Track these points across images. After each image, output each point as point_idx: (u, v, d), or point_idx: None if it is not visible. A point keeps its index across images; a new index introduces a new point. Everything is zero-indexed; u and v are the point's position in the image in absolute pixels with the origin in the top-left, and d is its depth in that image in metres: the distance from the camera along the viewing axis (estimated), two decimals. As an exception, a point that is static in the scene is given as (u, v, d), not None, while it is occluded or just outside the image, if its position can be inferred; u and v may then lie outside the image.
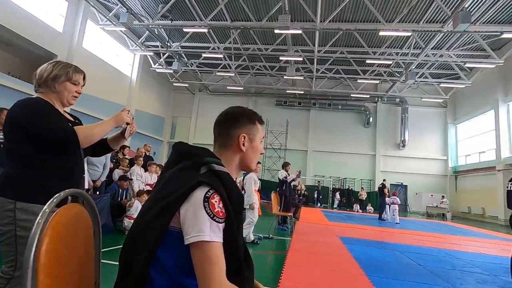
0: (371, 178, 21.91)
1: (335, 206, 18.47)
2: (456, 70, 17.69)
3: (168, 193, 0.86)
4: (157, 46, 18.39)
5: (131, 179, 5.43)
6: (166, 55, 18.88)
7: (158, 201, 0.85)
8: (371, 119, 22.22)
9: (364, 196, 18.79)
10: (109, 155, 5.20)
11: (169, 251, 0.82)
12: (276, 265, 3.75)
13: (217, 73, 21.03)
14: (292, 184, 7.64)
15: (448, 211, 17.16)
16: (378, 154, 22.05)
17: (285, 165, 7.09)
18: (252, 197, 4.92)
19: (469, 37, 15.04)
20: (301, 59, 17.03)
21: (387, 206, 11.61)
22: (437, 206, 17.67)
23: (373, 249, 5.24)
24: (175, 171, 0.92)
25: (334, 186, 20.97)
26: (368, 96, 21.60)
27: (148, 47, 18.78)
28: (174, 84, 23.18)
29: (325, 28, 13.86)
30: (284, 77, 19.70)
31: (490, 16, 13.68)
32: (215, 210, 0.79)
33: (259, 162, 5.12)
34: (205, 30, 14.72)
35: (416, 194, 20.52)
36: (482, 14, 13.50)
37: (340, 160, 22.42)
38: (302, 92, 22.34)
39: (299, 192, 15.71)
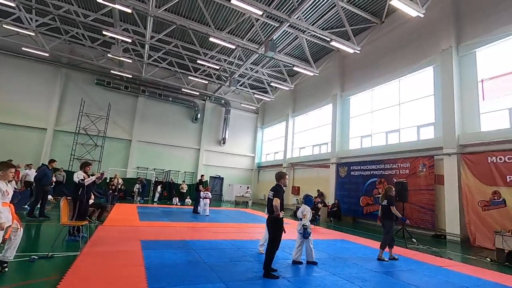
0: (194, 171, 23.24)
1: (155, 199, 18.17)
2: (266, 85, 21.85)
3: None
4: None
5: None
6: None
7: None
8: (199, 115, 23.48)
9: (185, 189, 19.63)
10: None
11: None
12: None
13: (5, 26, 15.32)
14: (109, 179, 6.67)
15: (250, 199, 21.00)
16: (202, 149, 23.68)
17: (83, 166, 6.06)
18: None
19: (275, 62, 18.92)
20: (130, 40, 15.38)
21: (201, 200, 12.64)
22: (243, 195, 21.19)
23: (171, 251, 5.47)
24: None
25: (157, 179, 20.59)
26: (198, 93, 22.69)
27: None
28: None
29: (158, 16, 13.17)
30: (108, 55, 17.13)
31: (289, 51, 17.83)
32: None
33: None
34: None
35: (230, 185, 23.76)
36: (284, 47, 17.35)
37: (166, 152, 22.31)
38: (130, 76, 20.35)
39: (113, 187, 14.27)
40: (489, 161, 9.20)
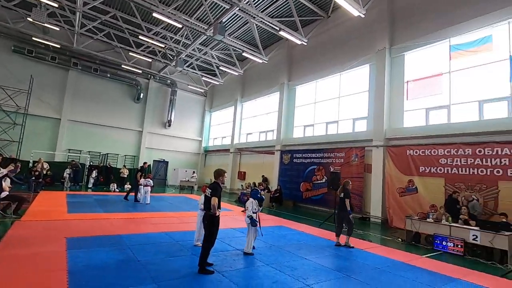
0: (136, 154, 21.91)
1: (90, 185, 16.75)
2: (214, 68, 21.22)
3: None
4: None
5: None
6: None
7: None
8: (142, 95, 21.91)
9: (126, 173, 18.47)
10: None
11: None
12: None
13: None
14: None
15: (195, 184, 20.72)
16: (145, 131, 22.34)
17: (-9, 157, 5.21)
18: None
19: (225, 45, 18.35)
20: (56, 5, 13.30)
21: (141, 188, 12.05)
22: (188, 180, 20.80)
23: (101, 250, 5.14)
24: None
25: (92, 163, 18.90)
26: (141, 71, 21.05)
27: None
28: None
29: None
30: (29, 19, 14.63)
31: (239, 35, 17.44)
32: None
33: None
34: None
35: (174, 169, 23.07)
36: (234, 31, 16.90)
37: (103, 134, 20.50)
38: (59, 46, 17.81)
39: (37, 173, 12.71)
40: (407, 153, 10.51)
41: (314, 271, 4.93)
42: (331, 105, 14.53)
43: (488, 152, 8.44)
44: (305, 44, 14.29)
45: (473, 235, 6.74)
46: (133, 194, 12.13)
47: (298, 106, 16.67)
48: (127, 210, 9.90)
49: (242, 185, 18.05)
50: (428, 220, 7.80)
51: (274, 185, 16.29)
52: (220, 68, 19.55)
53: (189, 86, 23.44)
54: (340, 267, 5.28)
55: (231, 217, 9.91)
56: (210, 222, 4.42)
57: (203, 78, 22.24)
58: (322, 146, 14.18)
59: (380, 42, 11.93)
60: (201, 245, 4.77)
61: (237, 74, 19.72)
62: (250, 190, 11.64)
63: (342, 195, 7.15)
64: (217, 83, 22.24)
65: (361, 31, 13.17)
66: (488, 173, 8.37)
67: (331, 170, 12.20)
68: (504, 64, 8.71)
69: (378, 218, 11.07)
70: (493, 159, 8.33)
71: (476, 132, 8.88)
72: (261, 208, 6.24)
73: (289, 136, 16.70)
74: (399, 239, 8.22)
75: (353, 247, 6.78)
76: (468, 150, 8.90)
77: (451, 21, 10.00)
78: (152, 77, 22.39)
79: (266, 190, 14.81)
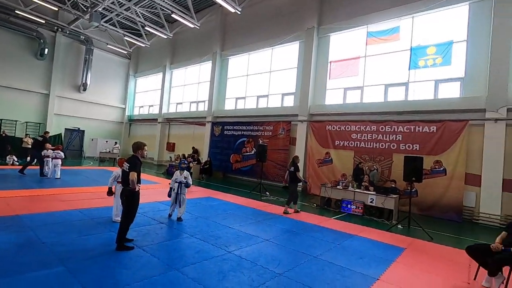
0: (41, 121, 18.75)
1: (-23, 158, 13.84)
2: (140, 28, 18.99)
3: None
4: None
5: None
6: None
7: None
8: (46, 50, 18.36)
9: (30, 143, 15.79)
10: None
11: None
12: None
13: None
14: None
15: (118, 156, 19.07)
16: (52, 94, 19.10)
17: None
18: None
19: (151, 2, 16.36)
20: None
21: (50, 161, 10.52)
22: (110, 151, 19.00)
23: (-8, 233, 4.41)
24: None
25: (-21, 131, 15.49)
26: (44, 21, 17.43)
27: None
28: None
29: None
30: None
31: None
32: None
33: None
34: None
35: (92, 140, 20.71)
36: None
37: (-7, 96, 16.78)
38: None
39: None
40: (327, 128, 11.61)
41: (236, 238, 5.23)
42: (263, 79, 14.75)
43: (388, 129, 9.95)
44: (239, 13, 13.85)
45: (371, 199, 8.05)
46: (38, 167, 10.53)
47: (231, 77, 16.44)
48: (30, 186, 8.58)
49: (171, 156, 17.43)
50: (338, 187, 8.96)
51: (205, 156, 16.19)
52: (146, 28, 17.56)
53: (108, 46, 20.59)
54: (260, 233, 5.71)
55: (157, 190, 9.58)
56: (130, 198, 4.16)
57: (126, 38, 19.73)
58: (253, 119, 14.51)
59: (310, 20, 12.37)
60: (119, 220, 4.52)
61: (165, 37, 18.07)
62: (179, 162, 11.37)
63: (292, 169, 7.82)
64: (143, 45, 20.09)
65: (294, 6, 13.36)
66: (386, 147, 9.93)
67: (259, 143, 12.70)
68: (406, 54, 10.09)
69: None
70: (390, 135, 9.87)
71: (381, 112, 10.29)
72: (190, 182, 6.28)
73: (220, 107, 16.52)
74: (314, 205, 9.28)
75: (290, 213, 7.57)
76: (373, 127, 10.30)
77: (370, 9, 10.94)
78: (59, 29, 18.81)
79: (196, 162, 14.66)
